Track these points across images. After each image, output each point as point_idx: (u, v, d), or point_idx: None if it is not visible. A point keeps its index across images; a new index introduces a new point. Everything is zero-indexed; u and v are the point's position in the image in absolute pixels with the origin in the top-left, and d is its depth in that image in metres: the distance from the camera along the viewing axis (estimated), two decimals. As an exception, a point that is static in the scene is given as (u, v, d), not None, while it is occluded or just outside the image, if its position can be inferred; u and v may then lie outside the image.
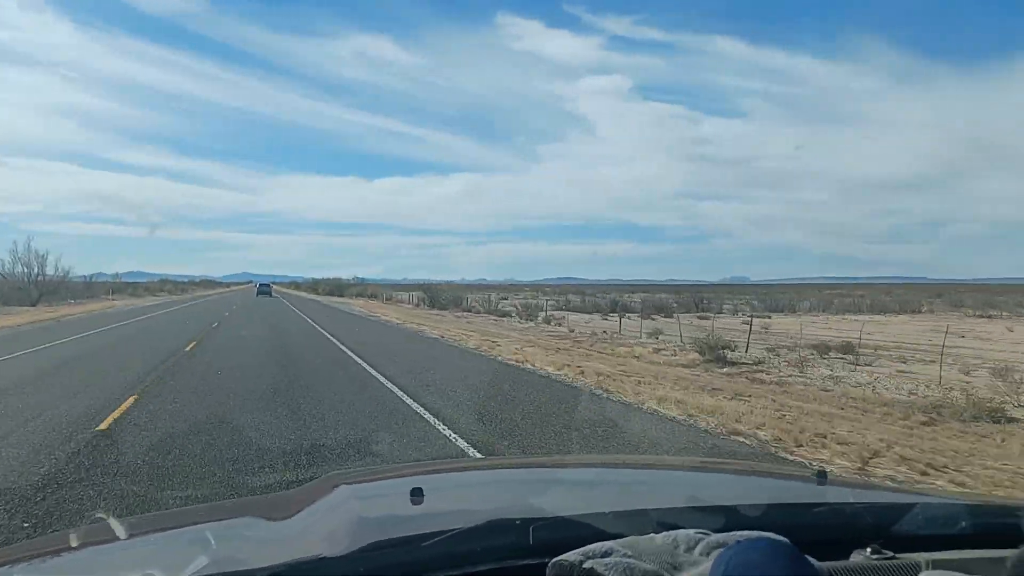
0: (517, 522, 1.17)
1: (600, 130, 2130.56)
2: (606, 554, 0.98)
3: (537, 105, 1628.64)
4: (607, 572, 0.94)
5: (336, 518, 1.41)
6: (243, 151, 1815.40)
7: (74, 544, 1.33)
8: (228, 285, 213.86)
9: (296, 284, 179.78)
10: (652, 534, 1.06)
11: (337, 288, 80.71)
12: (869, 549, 1.17)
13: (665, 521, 1.16)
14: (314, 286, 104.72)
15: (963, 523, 1.31)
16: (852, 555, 1.17)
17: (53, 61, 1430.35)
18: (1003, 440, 7.39)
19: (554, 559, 1.00)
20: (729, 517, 1.23)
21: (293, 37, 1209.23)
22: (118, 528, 1.38)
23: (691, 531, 1.05)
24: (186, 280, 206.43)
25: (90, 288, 61.23)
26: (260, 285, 79.35)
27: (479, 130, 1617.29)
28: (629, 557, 0.97)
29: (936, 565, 1.06)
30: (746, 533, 1.01)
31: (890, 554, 1.15)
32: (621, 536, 1.06)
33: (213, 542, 1.31)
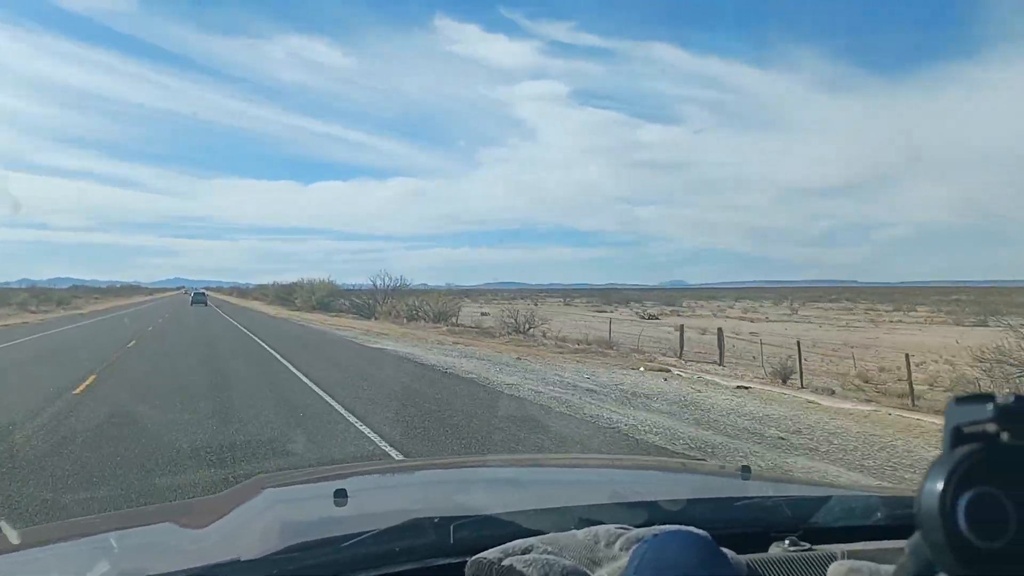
0: (436, 521, 1.16)
1: (539, 135, 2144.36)
2: (526, 551, 0.99)
3: (476, 109, 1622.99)
4: (526, 569, 0.94)
5: (260, 521, 1.41)
6: (174, 154, 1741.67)
7: None
8: (151, 292, 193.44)
9: (237, 290, 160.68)
10: (573, 530, 1.07)
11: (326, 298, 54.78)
12: (787, 541, 1.19)
13: (587, 518, 1.17)
14: (285, 293, 66.69)
15: (878, 514, 1.34)
16: (771, 547, 1.19)
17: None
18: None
19: (473, 557, 1.01)
20: (651, 512, 1.24)
21: (225, 38, 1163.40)
22: (11, 535, 1.32)
23: (611, 526, 1.05)
24: (104, 285, 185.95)
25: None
26: (195, 293, 74.99)
27: (418, 134, 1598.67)
28: (549, 553, 0.98)
29: (850, 556, 1.06)
30: (665, 528, 1.01)
31: (807, 546, 1.17)
32: (542, 533, 1.07)
33: (120, 548, 1.29)
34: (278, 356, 16.19)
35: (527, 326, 28.83)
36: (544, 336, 27.47)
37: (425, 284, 43.59)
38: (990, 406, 0.53)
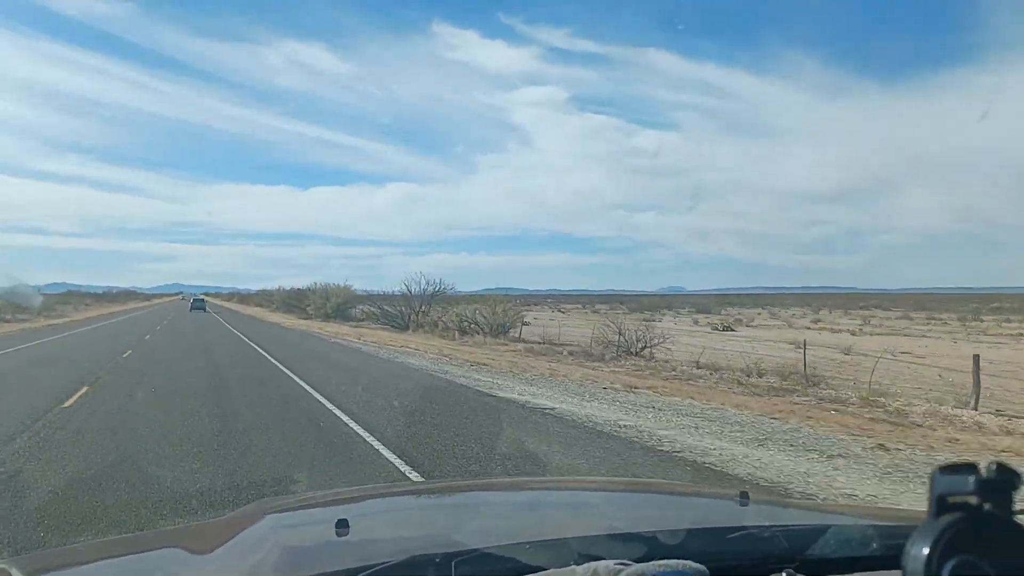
0: (437, 559, 1.16)
1: (536, 141, 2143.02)
2: None
3: (474, 115, 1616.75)
4: None
5: (260, 550, 1.40)
6: (172, 160, 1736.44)
7: None
8: (148, 297, 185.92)
9: (237, 295, 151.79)
10: (573, 566, 1.08)
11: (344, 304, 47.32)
12: (784, 573, 1.19)
13: (585, 552, 1.18)
14: (295, 299, 57.57)
15: (873, 545, 1.34)
16: None
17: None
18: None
19: None
20: (649, 545, 1.25)
21: (223, 43, 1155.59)
22: (16, 572, 1.30)
23: (611, 562, 1.05)
24: (101, 291, 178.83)
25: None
26: (193, 299, 73.39)
27: (415, 140, 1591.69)
28: None
29: None
30: (664, 563, 1.02)
31: None
32: (542, 569, 1.09)
33: (123, 574, 1.32)
34: (354, 426, 8.71)
35: (640, 346, 21.44)
36: (669, 362, 20.13)
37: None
38: (972, 478, 0.57)
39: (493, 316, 30.74)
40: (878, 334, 43.77)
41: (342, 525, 1.41)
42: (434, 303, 36.23)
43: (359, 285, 53.28)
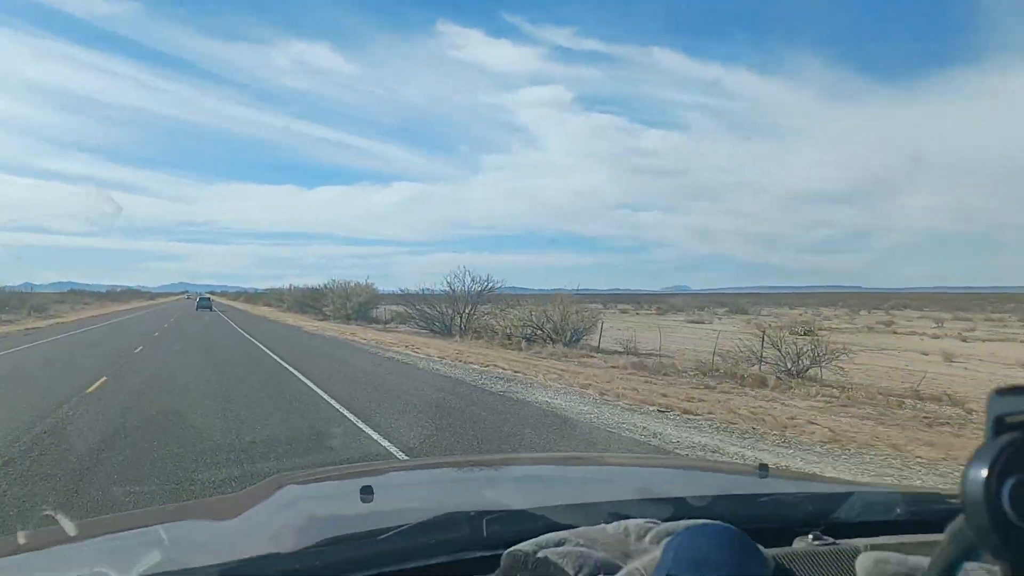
0: (471, 515, 1.16)
1: (542, 141, 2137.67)
2: (560, 543, 1.00)
3: (479, 115, 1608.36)
4: (561, 561, 0.95)
5: (286, 517, 1.39)
6: (177, 160, 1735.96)
7: (23, 543, 1.32)
8: (152, 296, 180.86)
9: (244, 295, 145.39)
10: (603, 524, 1.09)
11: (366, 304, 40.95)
12: (811, 536, 1.20)
13: (616, 512, 1.18)
14: (311, 299, 51.57)
15: (897, 510, 1.35)
16: (795, 542, 1.19)
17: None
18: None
19: (508, 549, 1.01)
20: (677, 507, 1.26)
21: (228, 43, 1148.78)
22: (67, 526, 1.36)
23: (640, 520, 1.07)
24: (104, 290, 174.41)
25: None
26: (200, 298, 71.99)
27: (420, 139, 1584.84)
28: (582, 546, 0.99)
29: (873, 549, 1.07)
30: (694, 521, 1.03)
31: (830, 540, 1.18)
32: (573, 527, 1.08)
33: (164, 540, 1.32)
34: None
35: (808, 364, 15.77)
36: (855, 387, 14.51)
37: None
38: None
39: (564, 321, 25.12)
40: (986, 340, 38.07)
41: (366, 491, 1.40)
42: (486, 303, 30.52)
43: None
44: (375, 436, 7.70)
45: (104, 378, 12.43)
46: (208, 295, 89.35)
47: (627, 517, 1.10)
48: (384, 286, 46.76)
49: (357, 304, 41.06)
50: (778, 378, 14.99)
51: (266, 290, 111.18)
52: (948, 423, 10.44)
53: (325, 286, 49.49)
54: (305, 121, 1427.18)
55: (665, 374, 16.11)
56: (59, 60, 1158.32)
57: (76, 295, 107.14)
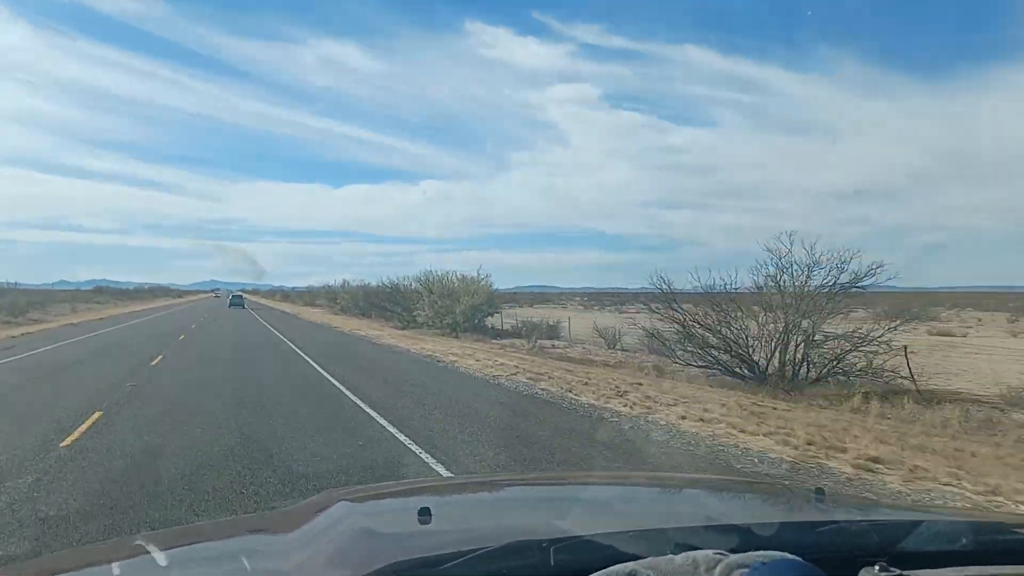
0: (543, 543, 1.13)
1: (569, 138, 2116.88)
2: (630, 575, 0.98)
3: (506, 113, 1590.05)
4: None
5: (345, 537, 1.35)
6: (206, 158, 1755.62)
7: (102, 558, 1.35)
8: (180, 294, 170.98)
9: (279, 293, 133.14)
10: (671, 555, 1.05)
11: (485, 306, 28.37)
12: (877, 567, 1.16)
13: (682, 542, 1.16)
14: (388, 299, 38.26)
15: (965, 540, 1.30)
16: (861, 573, 1.16)
17: (8, 64, 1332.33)
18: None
19: None
20: (742, 536, 1.24)
21: (257, 42, 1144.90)
22: (155, 551, 1.33)
23: (709, 552, 1.04)
24: (132, 288, 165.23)
25: None
26: (232, 296, 73.89)
27: (447, 137, 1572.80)
28: None
29: None
30: (764, 554, 1.00)
31: (896, 571, 1.14)
32: (640, 557, 1.06)
33: (239, 556, 1.32)
34: None
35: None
36: None
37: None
38: None
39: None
40: None
41: (424, 513, 1.36)
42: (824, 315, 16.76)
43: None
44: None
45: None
46: (240, 293, 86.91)
47: (692, 545, 1.08)
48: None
49: (469, 308, 27.68)
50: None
51: (307, 288, 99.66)
52: None
53: (403, 284, 36.29)
54: (333, 119, 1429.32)
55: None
56: (92, 59, 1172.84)
57: (98, 293, 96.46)
